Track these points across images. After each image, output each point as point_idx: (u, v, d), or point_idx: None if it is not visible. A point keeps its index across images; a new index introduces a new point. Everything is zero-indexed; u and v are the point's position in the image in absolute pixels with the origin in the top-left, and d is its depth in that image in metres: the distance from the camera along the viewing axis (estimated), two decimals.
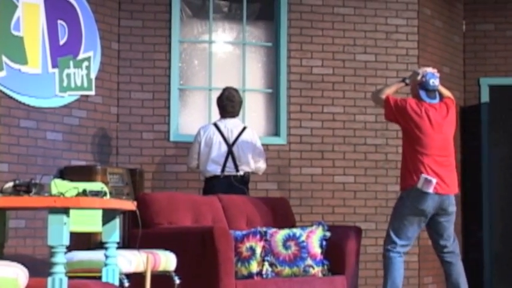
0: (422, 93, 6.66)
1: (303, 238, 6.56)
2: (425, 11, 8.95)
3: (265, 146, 8.31)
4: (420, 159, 6.52)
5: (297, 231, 6.60)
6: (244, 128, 7.46)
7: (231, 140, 7.36)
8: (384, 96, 6.74)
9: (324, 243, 6.63)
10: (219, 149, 7.33)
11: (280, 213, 7.22)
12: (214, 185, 7.30)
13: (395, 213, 6.68)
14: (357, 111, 8.53)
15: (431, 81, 6.66)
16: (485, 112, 9.54)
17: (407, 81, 6.83)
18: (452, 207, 6.60)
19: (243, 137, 7.40)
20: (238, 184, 7.33)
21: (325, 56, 8.55)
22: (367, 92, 8.56)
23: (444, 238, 6.66)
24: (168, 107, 8.20)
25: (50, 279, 4.03)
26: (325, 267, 6.62)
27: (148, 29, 8.23)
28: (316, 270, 6.55)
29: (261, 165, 7.54)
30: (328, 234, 6.66)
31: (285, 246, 6.51)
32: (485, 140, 9.48)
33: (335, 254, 6.66)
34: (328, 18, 8.60)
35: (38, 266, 6.51)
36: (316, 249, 6.57)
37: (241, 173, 7.37)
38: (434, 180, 6.43)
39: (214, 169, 7.33)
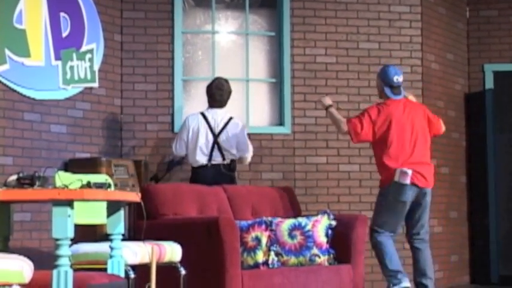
0: (388, 90, 6.88)
1: (308, 227, 6.56)
2: None
3: (270, 136, 8.32)
4: (393, 154, 6.77)
5: (302, 220, 6.60)
6: (230, 119, 7.49)
7: (217, 130, 7.40)
8: (345, 126, 6.94)
9: (330, 232, 6.63)
10: (206, 138, 7.41)
11: (286, 203, 7.22)
12: (201, 174, 7.40)
13: (378, 209, 6.89)
14: (361, 99, 8.51)
15: (395, 78, 6.87)
16: (490, 98, 9.52)
17: (327, 105, 7.15)
18: (428, 197, 6.86)
19: (229, 127, 7.44)
20: (226, 171, 7.40)
21: (328, 45, 8.53)
22: (371, 80, 8.53)
23: (417, 227, 6.90)
24: (172, 98, 8.19)
25: (55, 271, 4.04)
26: (331, 256, 6.62)
27: (151, 20, 8.22)
28: (322, 259, 6.55)
29: (246, 155, 7.55)
30: (333, 223, 6.66)
31: (291, 236, 6.51)
32: (490, 126, 9.46)
33: (341, 243, 6.66)
34: (331, 7, 8.57)
35: (44, 258, 6.52)
36: (321, 238, 6.57)
37: (227, 161, 7.43)
38: (409, 172, 6.69)
39: (202, 158, 7.39)
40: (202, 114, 7.51)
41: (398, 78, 6.87)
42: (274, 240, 6.46)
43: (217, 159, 7.40)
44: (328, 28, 8.55)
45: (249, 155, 7.56)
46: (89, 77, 7.71)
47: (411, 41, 8.71)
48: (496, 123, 9.51)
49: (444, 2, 9.24)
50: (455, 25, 9.44)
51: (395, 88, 6.87)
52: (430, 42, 8.91)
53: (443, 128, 7.06)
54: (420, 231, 6.89)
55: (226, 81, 7.58)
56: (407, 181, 6.69)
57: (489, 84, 9.53)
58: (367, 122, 6.82)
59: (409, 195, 6.74)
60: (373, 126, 6.81)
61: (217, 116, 7.47)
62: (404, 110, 6.83)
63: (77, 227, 4.18)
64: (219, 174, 7.38)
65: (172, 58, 8.22)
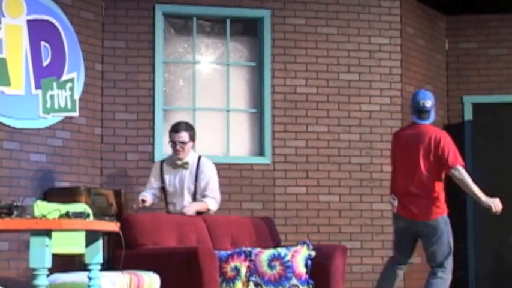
0: (414, 116, 6.81)
1: (287, 258, 6.56)
2: (408, 30, 9.00)
3: (250, 166, 8.33)
4: (391, 183, 6.89)
5: (281, 250, 6.60)
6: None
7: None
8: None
9: (309, 262, 6.63)
10: None
11: (265, 233, 7.21)
12: None
13: None
14: (341, 130, 8.55)
15: (421, 102, 6.75)
16: (468, 130, 9.57)
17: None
18: (427, 230, 6.68)
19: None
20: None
21: (309, 76, 8.57)
22: (351, 111, 8.58)
23: (426, 258, 6.82)
24: (153, 128, 8.19)
25: None
26: (311, 286, 6.61)
27: (131, 50, 8.23)
28: None
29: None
30: (313, 253, 6.66)
31: (270, 266, 6.51)
32: (469, 158, 9.50)
33: (320, 274, 6.65)
34: (312, 38, 8.62)
35: None
36: (301, 268, 6.57)
37: None
38: (395, 202, 6.76)
39: None
40: None
41: (424, 103, 6.73)
42: (253, 271, 6.45)
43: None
44: (308, 59, 8.59)
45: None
46: (69, 106, 7.70)
47: (391, 73, 8.77)
48: (475, 155, 9.55)
49: (424, 34, 9.32)
50: (435, 57, 9.51)
51: (421, 113, 6.74)
52: (410, 73, 8.97)
53: (449, 165, 6.63)
54: (430, 263, 6.76)
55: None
56: (394, 210, 6.79)
57: (468, 115, 9.59)
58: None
59: (400, 225, 6.77)
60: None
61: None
62: (411, 138, 6.70)
63: (57, 255, 4.16)
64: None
65: (153, 88, 8.24)
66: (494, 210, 6.67)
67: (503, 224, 9.45)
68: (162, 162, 7.25)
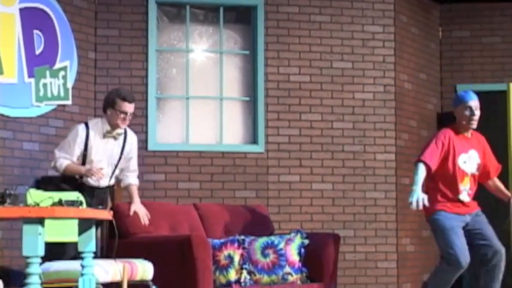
0: None
1: (281, 246, 6.57)
2: (401, 18, 8.99)
3: (243, 154, 8.33)
4: None
5: (275, 239, 6.62)
6: None
7: None
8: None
9: (303, 250, 6.64)
10: None
11: (259, 221, 7.23)
12: None
13: None
14: (335, 118, 8.55)
15: None
16: None
17: None
18: None
19: None
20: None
21: (302, 64, 8.57)
22: (344, 99, 8.58)
23: None
24: (146, 116, 8.19)
25: None
26: (304, 274, 6.63)
27: (125, 38, 8.22)
28: (295, 277, 6.56)
29: None
30: (306, 241, 6.68)
31: (264, 254, 6.52)
32: None
33: (313, 262, 6.67)
34: (305, 26, 8.62)
35: (15, 277, 6.48)
36: (294, 256, 6.59)
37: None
38: None
39: None
40: None
41: None
42: (246, 259, 6.47)
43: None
44: (302, 47, 8.59)
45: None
46: (62, 94, 7.69)
47: (384, 61, 8.77)
48: None
49: (417, 23, 9.32)
50: (428, 45, 9.51)
51: None
52: (403, 62, 8.98)
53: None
54: None
55: None
56: None
57: None
58: None
59: None
60: None
61: None
62: None
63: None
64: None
65: (146, 76, 8.23)
66: (411, 203, 6.20)
67: (497, 212, 9.48)
68: (87, 129, 6.69)
